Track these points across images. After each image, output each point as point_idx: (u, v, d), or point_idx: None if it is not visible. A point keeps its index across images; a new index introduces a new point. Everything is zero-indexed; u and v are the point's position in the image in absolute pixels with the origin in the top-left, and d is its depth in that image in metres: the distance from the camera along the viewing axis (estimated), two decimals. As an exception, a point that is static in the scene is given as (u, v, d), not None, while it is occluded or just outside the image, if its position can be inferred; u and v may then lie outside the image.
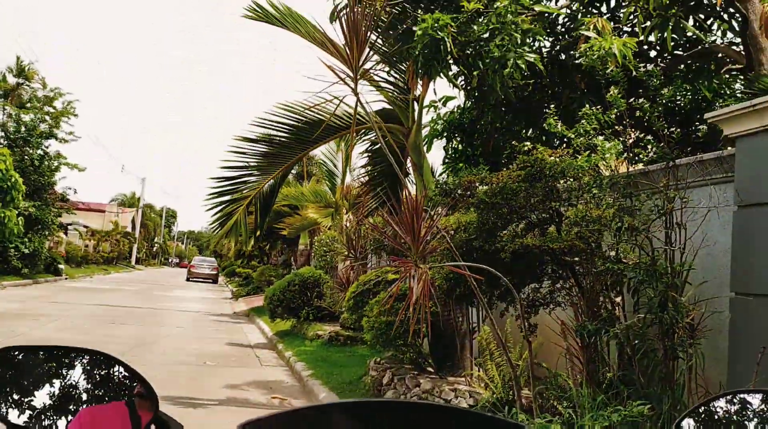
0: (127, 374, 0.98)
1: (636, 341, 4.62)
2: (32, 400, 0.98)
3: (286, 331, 13.19)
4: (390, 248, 8.06)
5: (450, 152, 9.74)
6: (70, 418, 0.97)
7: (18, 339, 9.63)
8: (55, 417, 0.97)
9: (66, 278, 29.08)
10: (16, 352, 1.02)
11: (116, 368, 0.99)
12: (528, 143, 5.64)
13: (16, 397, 0.99)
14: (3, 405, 0.97)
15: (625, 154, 5.34)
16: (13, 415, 0.97)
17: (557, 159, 5.12)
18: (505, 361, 5.48)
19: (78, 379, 0.99)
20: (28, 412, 0.97)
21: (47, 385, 0.99)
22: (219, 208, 9.43)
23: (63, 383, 0.99)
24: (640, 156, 5.38)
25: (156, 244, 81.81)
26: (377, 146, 9.99)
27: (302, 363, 9.22)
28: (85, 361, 1.00)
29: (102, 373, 0.99)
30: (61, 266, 29.06)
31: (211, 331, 13.67)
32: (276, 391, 7.59)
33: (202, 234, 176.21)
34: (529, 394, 5.16)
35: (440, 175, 10.20)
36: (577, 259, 4.98)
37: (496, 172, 5.78)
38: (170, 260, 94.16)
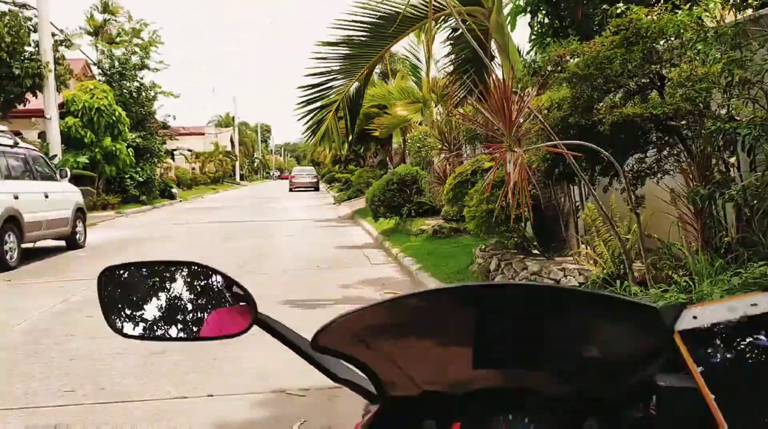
0: (224, 281, 1.00)
1: (755, 201, 4.38)
2: (142, 313, 1.04)
3: (391, 230, 13.51)
4: (483, 136, 7.93)
5: (536, 28, 9.22)
6: (179, 326, 1.02)
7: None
8: (164, 326, 1.03)
9: (180, 201, 30.89)
10: (121, 271, 1.08)
11: (214, 277, 1.01)
12: (621, 5, 5.23)
13: (128, 311, 1.05)
14: (118, 320, 1.04)
15: (731, 0, 4.85)
16: (128, 328, 1.03)
17: (654, 17, 4.73)
18: (613, 236, 5.38)
19: (181, 290, 1.03)
20: (141, 324, 1.03)
21: (154, 298, 1.04)
22: (309, 116, 9.55)
23: (168, 294, 1.03)
24: (749, 0, 4.86)
25: (256, 160, 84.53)
26: (458, 32, 9.62)
27: (410, 258, 9.46)
28: (184, 272, 1.04)
29: (201, 282, 1.03)
30: (174, 190, 30.86)
31: (320, 237, 14.21)
32: (388, 287, 7.88)
33: (298, 145, 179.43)
34: (641, 266, 5.07)
35: (527, 53, 9.74)
36: (684, 122, 4.69)
37: (587, 41, 5.44)
38: (271, 173, 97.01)
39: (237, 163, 62.30)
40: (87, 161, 21.80)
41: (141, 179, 25.42)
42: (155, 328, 1.03)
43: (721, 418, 0.61)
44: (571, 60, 5.25)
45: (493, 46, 8.91)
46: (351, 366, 0.91)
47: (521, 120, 4.57)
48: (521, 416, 0.88)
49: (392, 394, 0.91)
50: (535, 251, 7.10)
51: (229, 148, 60.63)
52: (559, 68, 5.30)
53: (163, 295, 1.04)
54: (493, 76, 4.94)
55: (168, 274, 1.05)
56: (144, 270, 1.09)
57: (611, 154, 4.66)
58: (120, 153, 22.73)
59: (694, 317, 0.70)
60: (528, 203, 4.44)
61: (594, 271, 5.70)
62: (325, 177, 42.83)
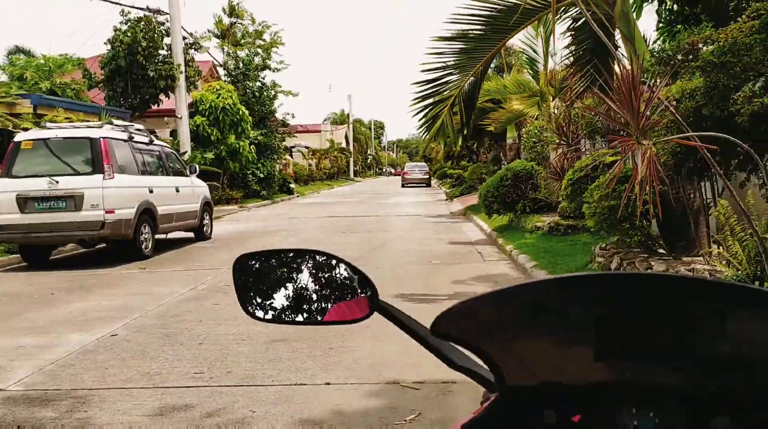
0: (347, 269, 1.05)
1: None
2: (272, 298, 1.09)
3: (504, 226, 13.31)
4: (605, 129, 7.61)
5: (664, 15, 8.74)
6: (304, 311, 1.08)
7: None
8: (291, 311, 1.08)
9: (297, 196, 32.03)
10: (252, 260, 1.14)
11: (338, 265, 1.06)
12: (762, -13, 4.84)
13: (258, 296, 1.11)
14: (249, 304, 1.10)
15: None
16: (259, 312, 1.10)
17: (802, -2, 4.34)
18: (749, 235, 5.00)
19: (307, 277, 1.08)
20: (270, 309, 1.09)
21: (282, 284, 1.10)
22: (424, 111, 9.57)
23: (295, 281, 1.09)
24: None
25: (369, 156, 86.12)
26: (580, 22, 9.29)
27: (524, 255, 9.28)
28: (311, 260, 1.09)
29: (326, 269, 1.07)
30: (292, 185, 32.06)
31: (432, 232, 14.24)
32: (502, 284, 7.77)
33: (410, 141, 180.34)
34: (782, 268, 4.68)
35: (654, 42, 9.24)
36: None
37: (722, 28, 5.08)
38: (384, 169, 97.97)
39: (351, 160, 63.82)
40: (213, 157, 23.07)
41: (262, 175, 26.60)
42: (283, 312, 1.08)
43: None
44: (705, 48, 4.93)
45: (617, 36, 8.53)
46: (470, 354, 0.91)
47: (649, 112, 4.34)
48: (645, 411, 0.85)
49: (511, 384, 0.89)
50: (661, 250, 6.74)
51: (343, 145, 62.20)
52: (691, 56, 5.00)
53: (290, 282, 1.09)
54: (620, 66, 4.72)
55: (296, 262, 1.11)
56: (274, 258, 1.14)
57: (750, 146, 4.33)
58: (243, 150, 23.89)
59: None
60: (656, 199, 4.21)
61: (727, 273, 5.32)
62: (437, 173, 43.00)
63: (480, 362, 0.92)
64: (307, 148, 49.12)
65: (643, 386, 0.85)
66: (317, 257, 1.08)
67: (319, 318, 1.06)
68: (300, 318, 1.07)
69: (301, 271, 1.09)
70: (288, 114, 32.77)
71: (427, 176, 41.76)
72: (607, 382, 0.87)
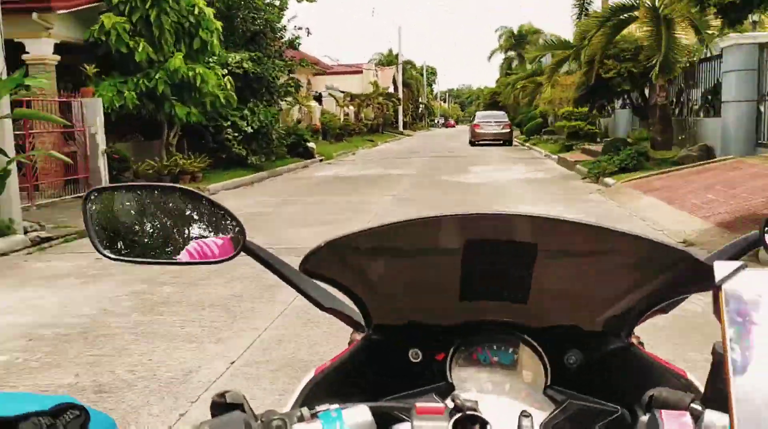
0: (214, 208, 0.97)
1: None
2: (130, 235, 1.01)
3: None
4: None
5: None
6: (167, 250, 0.99)
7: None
8: (152, 249, 1.00)
9: (320, 159, 21.03)
10: (108, 193, 1.06)
11: (204, 202, 0.98)
12: None
13: (114, 233, 1.01)
14: (102, 241, 0.99)
15: None
16: (115, 252, 0.99)
17: None
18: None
19: (170, 214, 1.00)
20: (127, 247, 1.00)
21: (141, 221, 1.02)
22: None
23: (156, 218, 1.01)
24: None
25: (421, 105, 74.28)
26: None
27: None
28: (174, 197, 1.00)
29: (191, 207, 0.99)
30: (311, 144, 20.89)
31: None
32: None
33: (461, 91, 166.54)
34: None
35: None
36: None
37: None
38: (436, 121, 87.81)
39: (400, 108, 52.00)
40: (139, 96, 12.05)
41: (250, 129, 15.49)
42: (142, 251, 1.00)
43: (731, 388, 0.54)
44: None
45: None
46: (339, 294, 0.92)
47: None
48: (505, 348, 0.90)
49: (378, 323, 0.93)
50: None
51: (390, 90, 50.45)
52: None
53: (152, 219, 1.01)
54: None
55: (157, 198, 1.02)
56: (132, 193, 1.06)
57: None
58: (205, 82, 12.68)
59: (748, 279, 0.62)
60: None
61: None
62: (526, 127, 30.46)
63: (349, 304, 0.94)
64: (343, 93, 37.69)
65: (503, 324, 0.91)
66: (182, 194, 0.99)
67: (182, 258, 0.97)
68: (161, 257, 1.00)
69: (163, 208, 1.00)
70: (300, 29, 21.46)
71: (508, 130, 29.55)
72: (471, 321, 0.91)
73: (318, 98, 33.21)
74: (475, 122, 30.59)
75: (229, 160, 15.18)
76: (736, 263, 0.64)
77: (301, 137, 20.11)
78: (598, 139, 19.06)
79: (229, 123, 15.08)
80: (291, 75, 18.86)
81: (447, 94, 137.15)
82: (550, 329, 0.90)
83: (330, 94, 33.28)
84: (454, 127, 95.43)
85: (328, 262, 0.85)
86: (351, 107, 37.61)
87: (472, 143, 29.63)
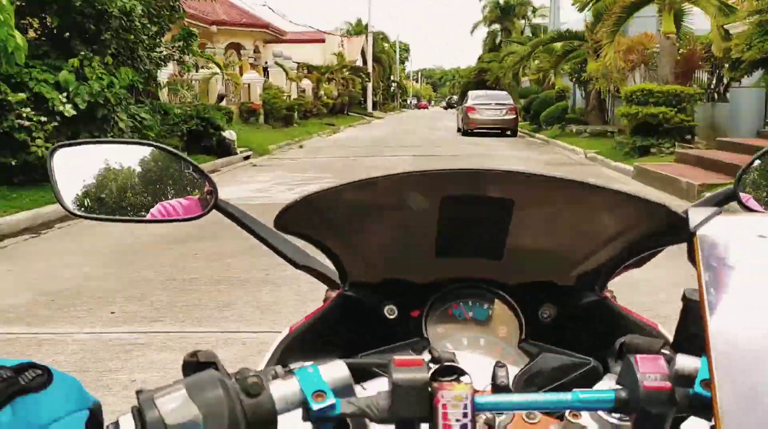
0: (186, 165, 0.96)
1: None
2: (98, 193, 0.98)
3: None
4: None
5: None
6: (137, 207, 0.98)
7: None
8: (121, 206, 0.98)
9: (247, 157, 13.60)
10: (75, 148, 1.01)
11: (175, 159, 0.97)
12: None
13: (82, 190, 0.98)
14: (71, 200, 0.97)
15: None
16: (83, 208, 0.97)
17: None
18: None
19: (141, 171, 0.97)
20: (96, 204, 0.98)
21: (111, 178, 0.98)
22: None
23: (126, 175, 0.98)
24: None
25: (393, 83, 66.54)
26: None
27: None
28: (145, 153, 0.98)
29: (162, 164, 0.98)
30: (228, 133, 13.22)
31: None
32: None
33: (433, 71, 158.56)
34: None
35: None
36: None
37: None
38: (409, 102, 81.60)
39: (369, 86, 44.30)
40: None
41: (71, 109, 7.83)
42: (110, 208, 0.98)
43: (708, 330, 0.55)
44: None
45: None
46: (314, 250, 0.91)
47: None
48: (480, 303, 0.92)
49: (354, 280, 0.93)
50: None
51: (358, 64, 42.73)
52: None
53: (121, 176, 0.98)
54: None
55: (127, 155, 0.99)
56: (101, 149, 1.03)
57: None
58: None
59: (723, 225, 0.64)
60: None
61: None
62: (544, 115, 21.14)
63: (324, 261, 0.94)
64: (298, 64, 29.98)
65: (478, 281, 0.93)
66: (153, 150, 0.97)
67: (153, 214, 0.96)
68: (131, 214, 0.99)
69: (134, 165, 0.97)
70: None
71: (513, 116, 21.64)
72: (446, 277, 0.93)
73: (266, 70, 25.62)
74: (468, 104, 22.49)
75: (27, 170, 7.58)
76: (711, 209, 0.66)
77: (208, 122, 12.47)
78: (692, 136, 11.72)
79: (25, 96, 7.47)
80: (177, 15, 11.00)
81: (419, 73, 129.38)
82: (524, 285, 0.92)
83: (276, 63, 25.49)
84: (426, 108, 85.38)
85: (304, 218, 0.84)
86: (308, 82, 29.89)
87: (464, 132, 22.11)
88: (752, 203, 0.94)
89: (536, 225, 0.87)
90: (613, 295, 0.97)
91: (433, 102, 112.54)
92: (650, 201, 0.77)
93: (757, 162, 0.97)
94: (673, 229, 0.75)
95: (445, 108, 75.69)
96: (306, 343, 0.90)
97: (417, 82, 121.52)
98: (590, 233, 0.87)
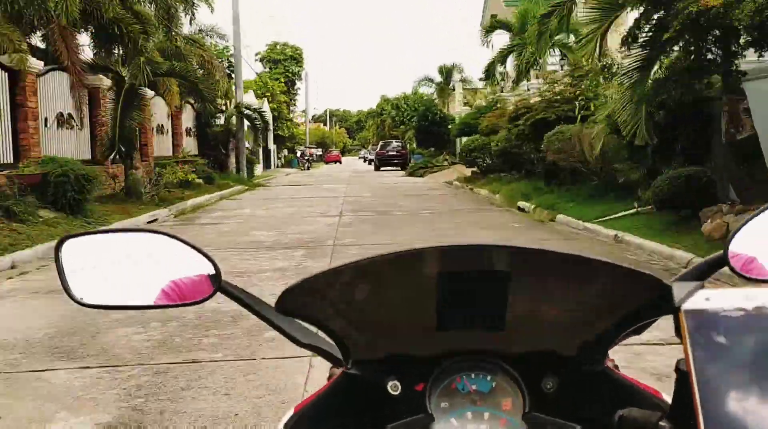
0: (189, 249, 0.96)
1: None
2: (103, 282, 0.98)
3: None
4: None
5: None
6: (143, 294, 0.97)
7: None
8: (127, 295, 0.98)
9: None
10: (80, 240, 1.01)
11: (178, 244, 0.96)
12: None
13: (87, 280, 0.97)
14: (77, 289, 0.96)
15: None
16: (88, 297, 0.96)
17: None
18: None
19: (144, 258, 0.97)
20: (101, 293, 0.97)
21: (115, 267, 0.98)
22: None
23: (130, 263, 0.97)
24: None
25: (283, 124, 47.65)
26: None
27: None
28: (147, 241, 0.98)
29: (165, 250, 0.97)
30: None
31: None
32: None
33: (348, 113, 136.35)
34: None
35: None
36: None
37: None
38: (301, 155, 47.77)
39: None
40: None
41: None
42: (117, 295, 0.98)
43: (698, 405, 0.58)
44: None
45: None
46: (317, 331, 0.93)
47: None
48: (483, 376, 0.92)
49: (357, 358, 0.93)
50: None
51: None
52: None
53: (125, 264, 0.98)
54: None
55: (130, 244, 1.00)
56: (106, 240, 1.03)
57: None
58: None
59: (707, 299, 0.67)
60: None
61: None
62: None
63: (328, 339, 0.95)
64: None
65: (480, 353, 0.92)
66: (155, 237, 0.99)
67: (159, 301, 0.96)
68: (137, 301, 0.98)
69: (137, 253, 0.98)
70: None
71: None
72: (448, 351, 0.92)
73: None
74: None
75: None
76: (694, 283, 0.68)
77: None
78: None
79: None
80: None
81: (327, 114, 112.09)
82: (527, 355, 0.92)
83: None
84: (339, 161, 64.57)
85: (304, 300, 0.86)
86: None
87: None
88: (746, 270, 0.90)
89: (534, 296, 0.87)
90: (615, 365, 0.95)
91: (347, 151, 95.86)
92: (642, 272, 0.78)
93: (749, 225, 0.93)
94: (663, 300, 0.74)
95: (366, 161, 58.95)
96: (311, 423, 0.91)
97: (325, 124, 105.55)
98: (587, 304, 0.88)
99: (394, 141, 41.10)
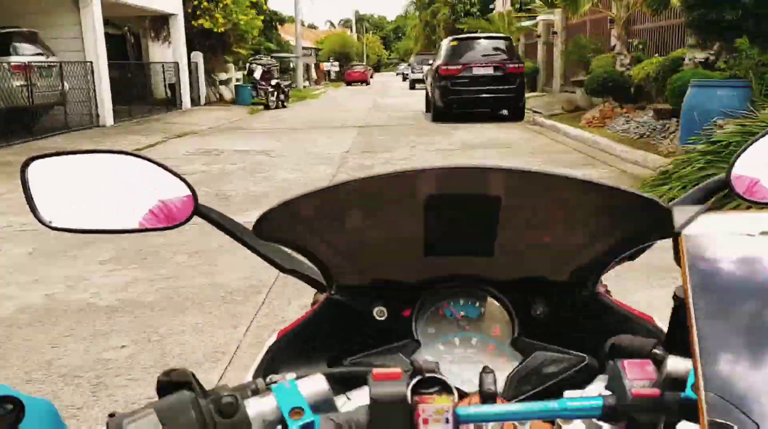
0: (164, 172, 0.90)
1: None
2: (74, 204, 0.93)
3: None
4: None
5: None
6: (116, 217, 0.92)
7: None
8: (100, 217, 0.93)
9: None
10: (46, 161, 0.93)
11: (152, 166, 0.90)
12: None
13: (56, 202, 0.92)
14: (45, 211, 0.91)
15: None
16: (58, 220, 0.92)
17: None
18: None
19: (117, 180, 0.91)
20: (72, 216, 0.92)
21: (86, 188, 0.93)
22: None
23: (102, 185, 0.92)
24: None
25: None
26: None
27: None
28: (120, 162, 0.92)
29: (139, 172, 0.91)
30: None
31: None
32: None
33: (384, 20, 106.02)
34: None
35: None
36: None
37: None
38: (258, 69, 22.62)
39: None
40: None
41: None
42: (89, 219, 0.93)
43: (694, 334, 0.55)
44: None
45: None
46: (299, 256, 0.90)
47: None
48: (471, 302, 0.91)
49: (341, 283, 0.92)
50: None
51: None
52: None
53: (97, 186, 0.93)
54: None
55: (102, 164, 0.94)
56: (75, 160, 0.95)
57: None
58: None
59: (709, 223, 0.62)
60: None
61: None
62: None
63: (310, 264, 0.92)
64: None
65: (469, 278, 0.91)
66: (129, 158, 0.92)
67: (131, 225, 0.91)
68: (111, 225, 0.93)
69: (109, 174, 0.92)
70: None
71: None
72: (436, 276, 0.91)
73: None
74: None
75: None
76: (696, 207, 0.64)
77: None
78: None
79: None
80: None
81: (354, 17, 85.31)
82: (516, 281, 0.91)
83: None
84: (365, 81, 47.19)
85: (283, 224, 0.81)
86: None
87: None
88: (749, 193, 0.87)
89: (525, 221, 0.84)
90: (607, 290, 0.95)
91: (375, 70, 70.54)
92: (640, 195, 0.74)
93: (753, 147, 0.88)
94: (661, 224, 0.70)
95: (407, 80, 39.19)
96: (295, 349, 0.89)
97: (352, 30, 79.50)
98: (580, 228, 0.85)
99: (485, 38, 15.85)
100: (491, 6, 27.64)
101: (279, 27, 31.08)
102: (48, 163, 0.93)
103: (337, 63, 54.36)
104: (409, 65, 43.69)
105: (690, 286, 0.56)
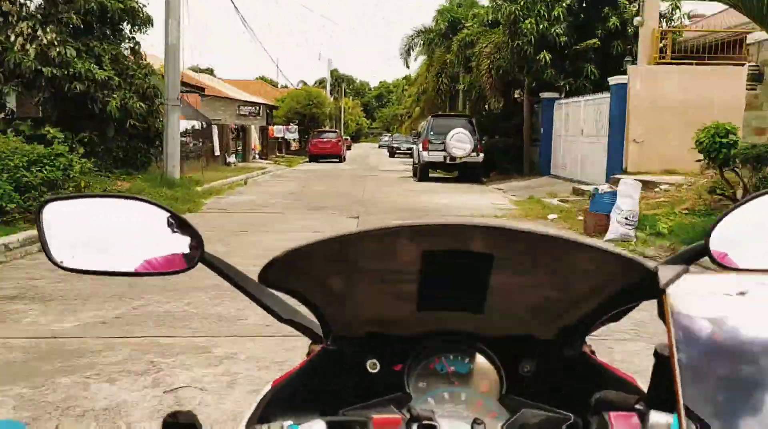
0: (172, 218, 0.94)
1: None
2: (85, 247, 0.96)
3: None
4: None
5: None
6: (124, 260, 0.95)
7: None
8: (109, 260, 0.95)
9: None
10: (62, 204, 0.99)
11: (162, 212, 0.94)
12: None
13: (69, 244, 0.95)
14: (58, 252, 0.94)
15: None
16: (69, 261, 0.94)
17: None
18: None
19: (127, 224, 0.95)
20: (83, 258, 0.95)
21: (98, 232, 0.97)
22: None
23: (113, 228, 0.96)
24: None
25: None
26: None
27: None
28: (131, 207, 0.96)
29: (149, 217, 0.94)
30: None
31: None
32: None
33: (365, 85, 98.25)
34: None
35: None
36: None
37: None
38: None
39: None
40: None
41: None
42: (99, 261, 0.95)
43: (678, 387, 0.59)
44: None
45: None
46: (299, 304, 0.93)
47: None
48: (461, 357, 0.92)
49: (337, 335, 0.93)
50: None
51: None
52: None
53: (106, 230, 0.97)
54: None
55: (113, 209, 0.98)
56: (89, 204, 1.01)
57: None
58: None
59: (692, 283, 0.67)
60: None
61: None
62: None
63: (308, 315, 0.95)
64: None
65: (459, 334, 0.93)
66: (139, 203, 0.96)
67: (139, 268, 0.94)
68: (119, 267, 0.96)
69: (120, 218, 0.96)
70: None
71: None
72: (428, 332, 0.93)
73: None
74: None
75: None
76: (679, 267, 0.67)
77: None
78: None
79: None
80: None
81: (333, 79, 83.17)
82: (505, 338, 0.92)
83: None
84: (338, 154, 33.72)
85: (287, 273, 0.84)
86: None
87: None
88: (727, 260, 0.92)
89: (516, 279, 0.86)
90: (591, 350, 0.97)
91: (363, 137, 65.91)
92: (625, 256, 0.78)
93: (731, 216, 0.94)
94: (646, 285, 0.74)
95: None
96: (289, 398, 0.90)
97: (326, 90, 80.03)
98: (569, 288, 0.87)
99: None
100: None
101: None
102: (64, 206, 0.99)
103: (295, 128, 37.54)
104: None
105: (675, 343, 0.59)
